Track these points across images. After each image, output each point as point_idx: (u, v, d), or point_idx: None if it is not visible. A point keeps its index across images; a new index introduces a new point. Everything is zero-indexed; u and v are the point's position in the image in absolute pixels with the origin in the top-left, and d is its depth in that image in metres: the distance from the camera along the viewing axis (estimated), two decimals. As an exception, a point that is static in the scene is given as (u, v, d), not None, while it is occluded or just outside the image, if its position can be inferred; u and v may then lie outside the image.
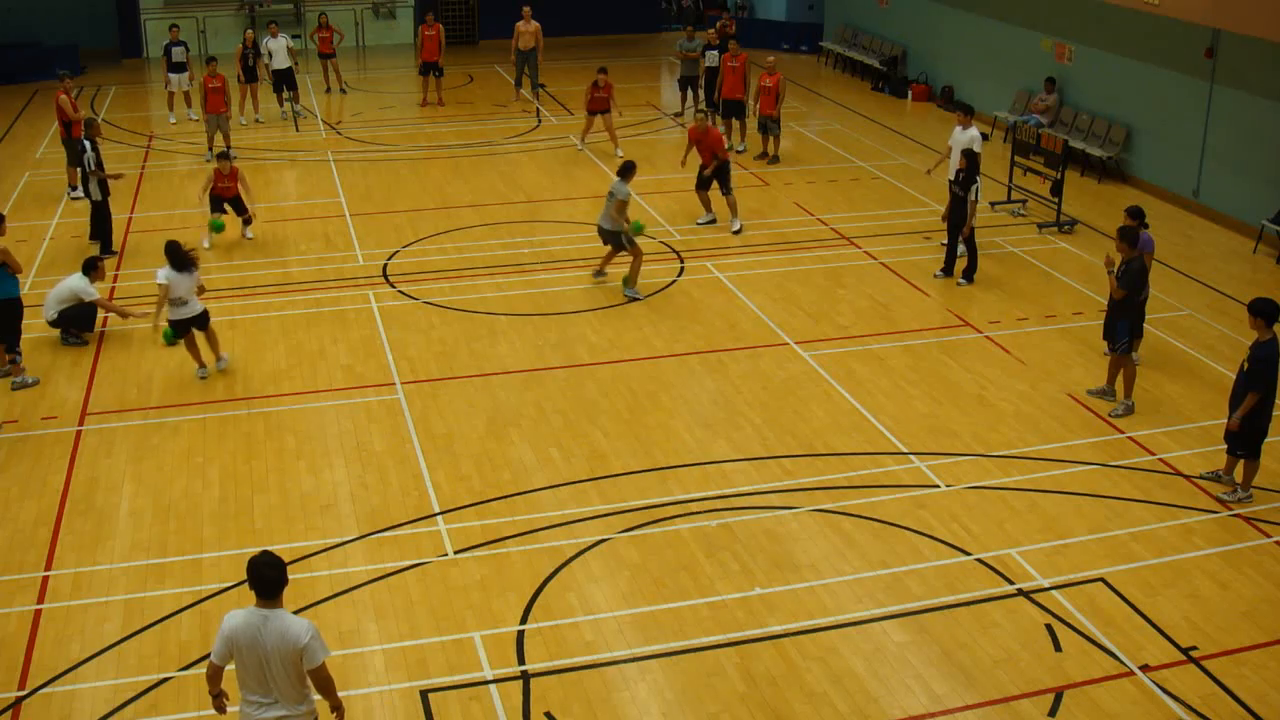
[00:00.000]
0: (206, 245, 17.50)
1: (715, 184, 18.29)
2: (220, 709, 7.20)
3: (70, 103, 19.27)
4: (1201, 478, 11.63)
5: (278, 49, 24.21)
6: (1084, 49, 21.86)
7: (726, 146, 21.82)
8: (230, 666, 7.00)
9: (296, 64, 25.10)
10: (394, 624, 9.56)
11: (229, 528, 10.85)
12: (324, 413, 12.92)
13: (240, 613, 6.90)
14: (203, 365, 13.69)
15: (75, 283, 14.27)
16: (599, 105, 22.17)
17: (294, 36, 32.10)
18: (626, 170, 15.76)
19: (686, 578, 10.14)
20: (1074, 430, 12.57)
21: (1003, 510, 11.13)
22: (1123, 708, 8.69)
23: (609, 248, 16.04)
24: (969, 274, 16.32)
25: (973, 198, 15.81)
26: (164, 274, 13.23)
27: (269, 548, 8.15)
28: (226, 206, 17.62)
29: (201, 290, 13.60)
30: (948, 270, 16.54)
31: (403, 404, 13.08)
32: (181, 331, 13.61)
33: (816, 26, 32.00)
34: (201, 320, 13.59)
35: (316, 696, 7.18)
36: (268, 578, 6.82)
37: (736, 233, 18.20)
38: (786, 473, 11.77)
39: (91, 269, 14.42)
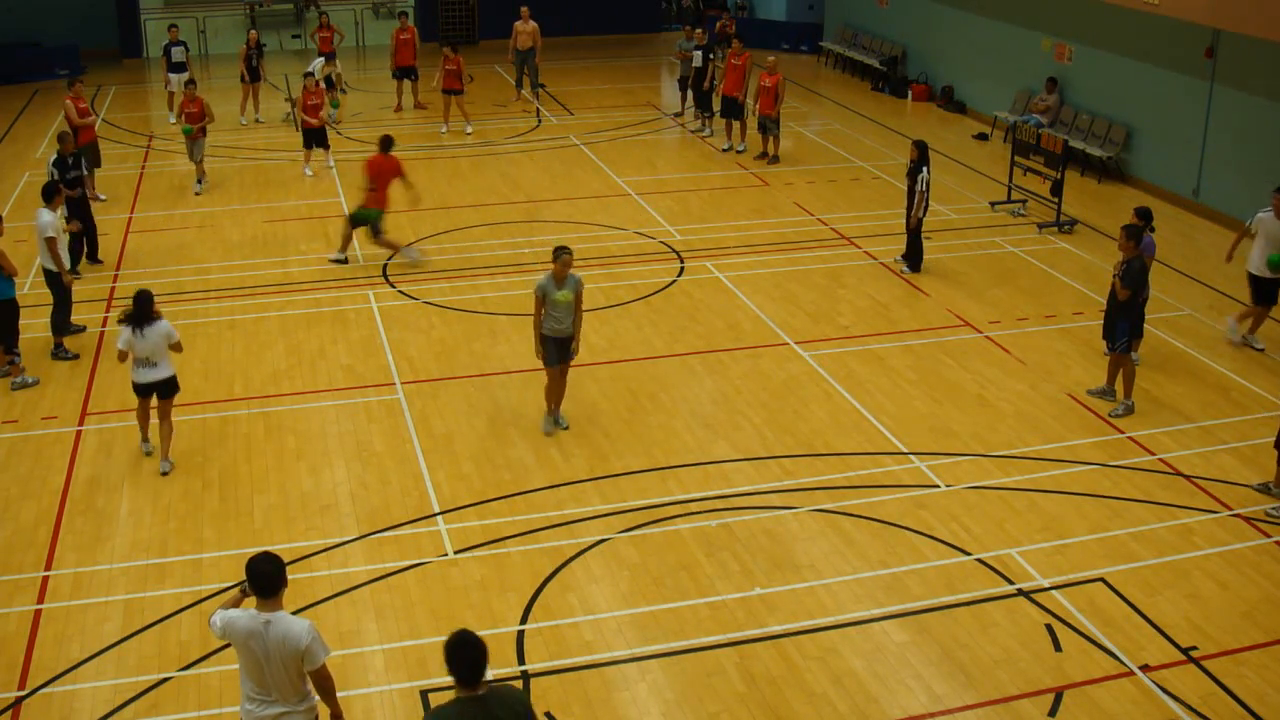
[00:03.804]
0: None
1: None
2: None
3: (74, 107, 19.13)
4: (1254, 488, 11.53)
5: (318, 65, 23.98)
6: (1084, 49, 21.86)
7: (728, 146, 22.04)
8: (232, 666, 6.99)
9: (340, 84, 24.77)
10: (394, 624, 9.56)
11: (229, 528, 10.85)
12: (324, 413, 12.92)
13: (242, 616, 6.89)
14: (147, 439, 11.98)
15: (44, 217, 13.94)
16: (451, 84, 23.37)
17: (294, 36, 32.18)
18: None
19: (686, 578, 10.14)
20: (1074, 430, 12.57)
21: (1003, 510, 11.13)
22: (1123, 708, 8.69)
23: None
24: (914, 261, 16.67)
25: (920, 188, 16.12)
26: (124, 336, 11.38)
27: (269, 548, 8.15)
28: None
29: (178, 348, 11.67)
30: (907, 257, 16.83)
31: (403, 404, 13.08)
32: (143, 395, 11.72)
33: (816, 26, 31.99)
34: (166, 388, 11.67)
35: (318, 697, 7.19)
36: (267, 573, 6.82)
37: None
38: (786, 473, 11.76)
39: (50, 196, 14.19)
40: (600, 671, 9.05)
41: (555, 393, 12.43)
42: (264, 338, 14.69)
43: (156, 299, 11.59)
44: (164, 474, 11.64)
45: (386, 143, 16.75)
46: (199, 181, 20.26)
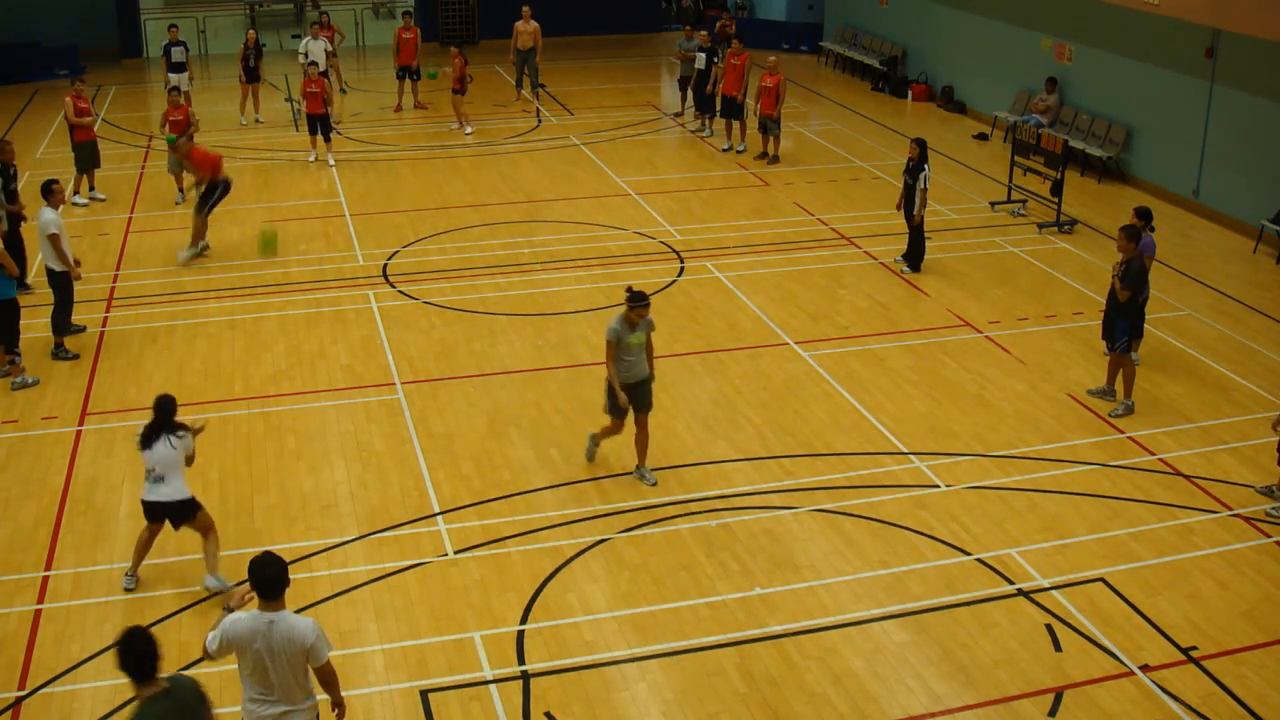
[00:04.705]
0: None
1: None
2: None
3: (74, 105, 19.09)
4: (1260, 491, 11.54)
5: (316, 51, 23.77)
6: (1084, 49, 21.86)
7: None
8: (233, 666, 7.00)
9: (333, 78, 24.50)
10: (394, 624, 9.56)
11: (229, 528, 10.83)
12: (324, 413, 12.92)
13: (244, 617, 6.89)
14: (134, 574, 9.92)
15: (45, 215, 13.85)
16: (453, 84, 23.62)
17: (294, 36, 32.18)
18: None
19: (686, 578, 10.14)
20: (1074, 430, 12.57)
21: (1003, 510, 11.13)
22: (1123, 708, 8.69)
23: None
24: (914, 261, 16.70)
25: (922, 185, 16.17)
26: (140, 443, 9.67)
27: (269, 548, 8.15)
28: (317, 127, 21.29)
29: (190, 460, 9.70)
30: (907, 257, 16.87)
31: (403, 404, 13.08)
32: (150, 518, 9.77)
33: (816, 26, 31.99)
34: (181, 511, 9.64)
35: (322, 695, 7.19)
36: (270, 576, 6.83)
37: (183, 262, 16.79)
38: (786, 473, 11.77)
39: (49, 194, 14.10)
40: (600, 671, 9.05)
41: (609, 434, 11.56)
42: (264, 338, 14.69)
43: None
44: (209, 587, 9.84)
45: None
46: (181, 193, 19.41)
